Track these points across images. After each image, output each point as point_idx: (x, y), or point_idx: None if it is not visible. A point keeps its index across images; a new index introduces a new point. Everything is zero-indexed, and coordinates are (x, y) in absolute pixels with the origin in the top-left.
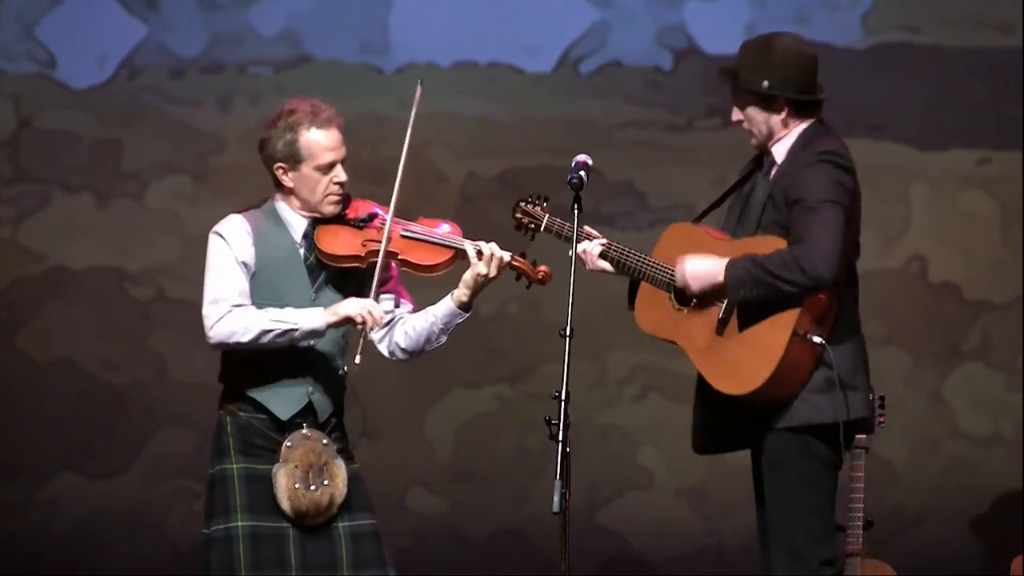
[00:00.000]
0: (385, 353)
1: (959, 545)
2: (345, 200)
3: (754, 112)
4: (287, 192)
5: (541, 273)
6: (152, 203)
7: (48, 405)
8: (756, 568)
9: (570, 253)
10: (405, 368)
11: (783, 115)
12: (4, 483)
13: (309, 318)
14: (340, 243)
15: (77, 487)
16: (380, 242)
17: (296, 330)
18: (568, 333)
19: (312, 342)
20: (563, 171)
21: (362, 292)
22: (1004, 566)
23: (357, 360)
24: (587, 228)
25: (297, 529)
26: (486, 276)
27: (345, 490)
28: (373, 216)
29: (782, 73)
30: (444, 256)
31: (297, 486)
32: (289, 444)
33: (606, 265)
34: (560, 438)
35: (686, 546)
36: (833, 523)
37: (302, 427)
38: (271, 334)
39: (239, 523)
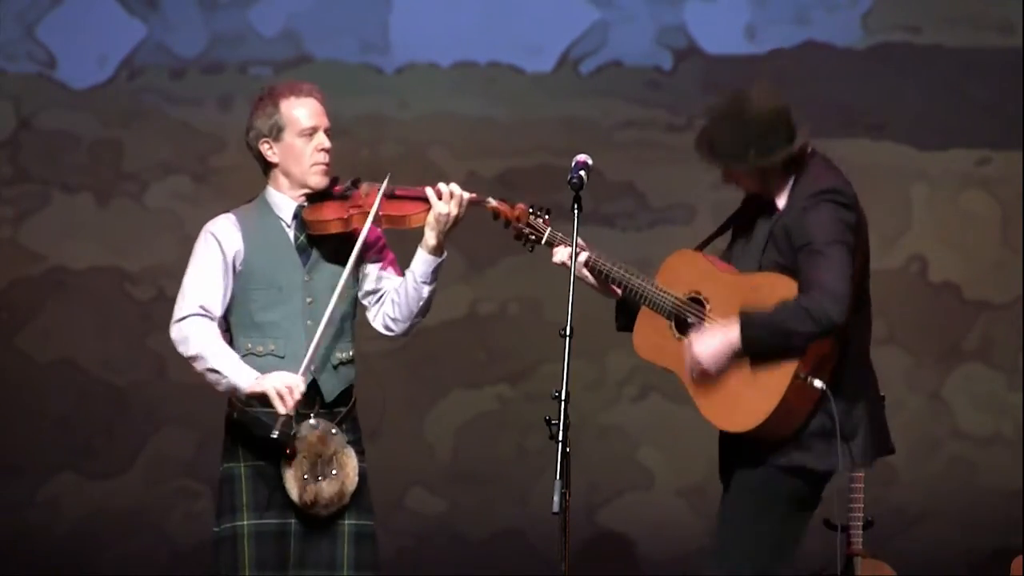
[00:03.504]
0: (381, 329)
1: (959, 545)
2: (333, 180)
3: (750, 180)
4: (275, 171)
5: (518, 210)
6: (152, 203)
7: (48, 405)
8: None
9: (570, 254)
10: (405, 368)
11: (775, 173)
12: (4, 483)
13: (239, 376)
14: (326, 211)
15: (77, 487)
16: (364, 208)
17: (224, 379)
18: (568, 333)
19: (310, 322)
20: (563, 171)
21: (352, 277)
22: (1004, 566)
23: (273, 435)
24: (581, 241)
25: (300, 524)
26: (447, 215)
27: (357, 480)
28: (357, 182)
29: (765, 141)
30: (418, 208)
31: (306, 476)
32: (296, 435)
33: (588, 276)
34: (560, 438)
35: (686, 546)
36: (783, 565)
37: (309, 417)
38: (202, 364)
39: (244, 522)
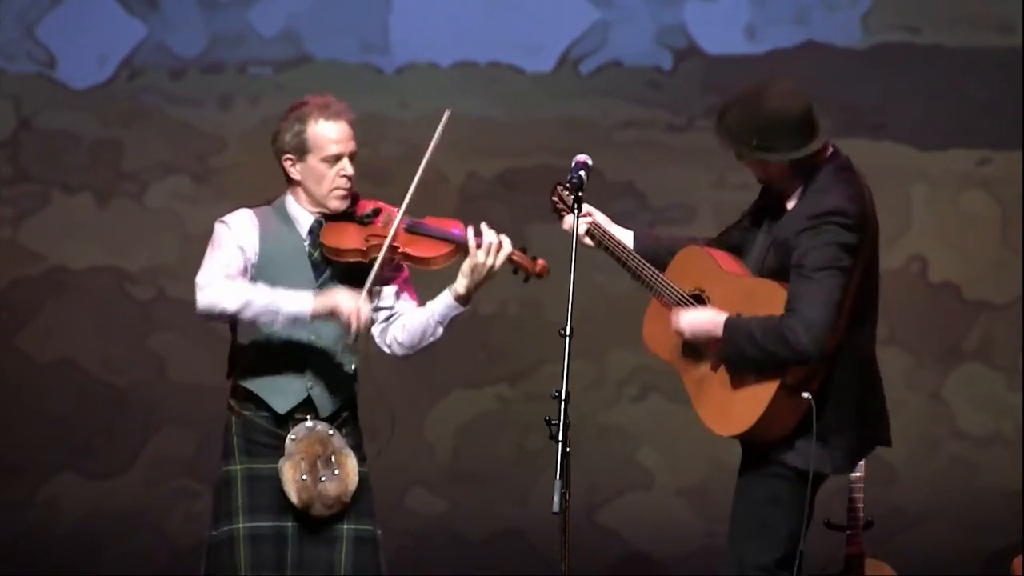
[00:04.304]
0: (384, 348)
1: (959, 545)
2: (353, 198)
3: (754, 168)
4: (295, 186)
5: (539, 267)
6: (152, 203)
7: (48, 405)
8: None
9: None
10: (405, 368)
11: (782, 169)
12: (4, 483)
13: (296, 301)
14: (344, 237)
15: (77, 487)
16: (383, 237)
17: (281, 311)
18: (568, 333)
19: (312, 337)
20: (563, 171)
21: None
22: (1004, 566)
23: (350, 341)
24: (615, 236)
25: (298, 528)
26: (486, 265)
27: (356, 481)
28: (378, 211)
29: (773, 136)
30: (444, 249)
31: (304, 477)
32: (293, 437)
33: (589, 242)
34: (560, 438)
35: (686, 546)
36: (790, 546)
37: (306, 419)
38: (254, 307)
39: (240, 524)
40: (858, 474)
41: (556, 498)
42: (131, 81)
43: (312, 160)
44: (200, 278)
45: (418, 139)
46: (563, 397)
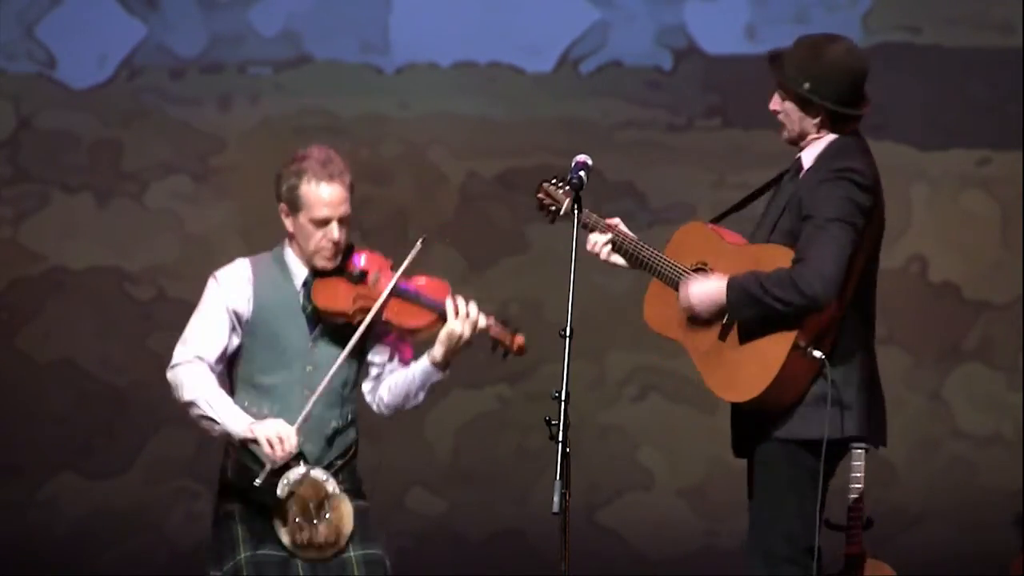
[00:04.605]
0: (372, 406)
1: (959, 545)
2: (346, 252)
3: (791, 108)
4: (290, 236)
5: (517, 344)
6: (152, 203)
7: (48, 405)
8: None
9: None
10: None
11: (817, 120)
12: (4, 483)
13: (234, 422)
14: (331, 297)
15: (77, 487)
16: (370, 299)
17: (218, 424)
18: (568, 333)
19: (305, 392)
20: (563, 171)
21: (357, 347)
22: (1004, 566)
23: (256, 482)
24: (609, 221)
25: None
26: (459, 336)
27: (351, 524)
28: (364, 274)
29: (825, 80)
30: (428, 319)
31: (298, 520)
32: (285, 482)
33: (618, 260)
34: (560, 438)
35: (686, 546)
36: (814, 532)
37: (300, 463)
38: (196, 411)
39: (243, 554)
40: (858, 474)
41: (556, 498)
42: (131, 81)
43: (303, 218)
44: (177, 349)
45: (418, 139)
46: (563, 397)
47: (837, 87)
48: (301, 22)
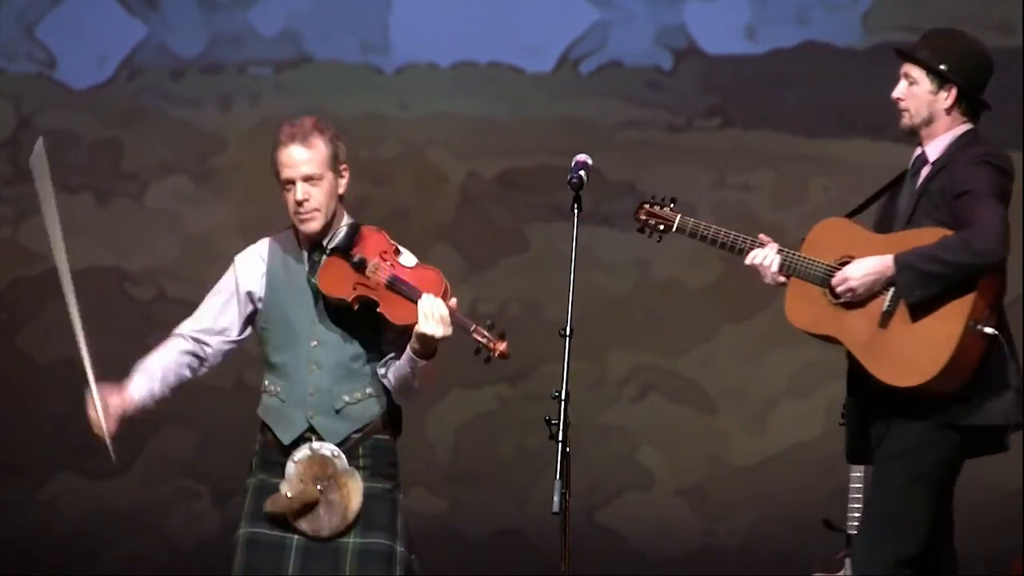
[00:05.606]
0: (391, 391)
1: (959, 545)
2: (353, 229)
3: (922, 90)
4: None
5: (500, 350)
6: (152, 203)
7: (48, 405)
8: (755, 568)
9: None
10: None
11: (948, 103)
12: (4, 483)
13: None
14: (333, 282)
15: (77, 487)
16: (367, 288)
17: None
18: (568, 333)
19: (312, 367)
20: (563, 171)
21: (363, 323)
22: (1004, 566)
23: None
24: (762, 236)
25: (304, 541)
26: (431, 336)
27: (359, 502)
28: (364, 262)
29: (962, 62)
30: (415, 315)
31: (302, 498)
32: (295, 459)
33: (782, 279)
34: (560, 438)
35: (686, 546)
36: (929, 528)
37: (311, 440)
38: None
39: (243, 529)
40: (858, 474)
41: (556, 498)
42: (131, 81)
43: (280, 186)
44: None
45: (418, 139)
46: (563, 397)
47: (972, 72)
48: (301, 22)
